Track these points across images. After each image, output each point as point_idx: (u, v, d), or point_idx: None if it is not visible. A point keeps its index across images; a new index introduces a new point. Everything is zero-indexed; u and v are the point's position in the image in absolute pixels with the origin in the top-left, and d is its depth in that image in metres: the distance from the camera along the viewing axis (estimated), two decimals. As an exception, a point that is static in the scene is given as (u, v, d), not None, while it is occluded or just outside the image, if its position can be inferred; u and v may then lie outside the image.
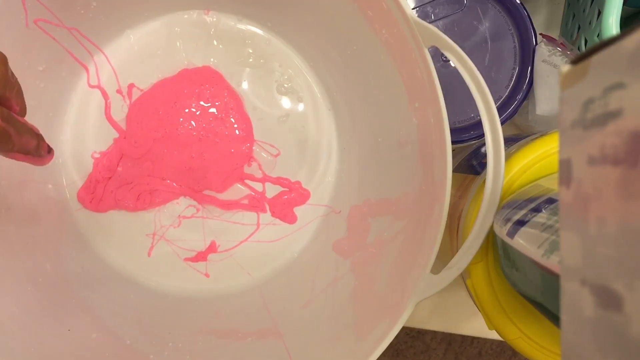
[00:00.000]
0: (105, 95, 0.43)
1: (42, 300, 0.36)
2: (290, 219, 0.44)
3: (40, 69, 0.39)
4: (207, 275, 0.43)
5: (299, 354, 0.36)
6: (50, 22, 0.37)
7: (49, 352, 0.34)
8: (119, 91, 0.43)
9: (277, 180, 0.44)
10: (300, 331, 0.38)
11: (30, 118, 0.39)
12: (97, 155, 0.42)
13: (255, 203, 0.44)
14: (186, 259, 0.43)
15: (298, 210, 0.44)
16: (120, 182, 0.42)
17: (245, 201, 0.44)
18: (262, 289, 0.43)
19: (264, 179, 0.44)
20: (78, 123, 0.42)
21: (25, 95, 0.38)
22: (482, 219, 0.29)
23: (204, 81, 0.43)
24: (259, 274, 0.44)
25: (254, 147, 0.44)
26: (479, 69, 0.29)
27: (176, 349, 0.38)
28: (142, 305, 0.41)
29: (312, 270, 0.42)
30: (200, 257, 0.43)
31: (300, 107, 0.44)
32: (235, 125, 0.43)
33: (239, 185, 0.44)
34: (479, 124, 0.40)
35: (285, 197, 0.44)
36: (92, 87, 0.42)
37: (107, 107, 0.43)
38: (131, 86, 0.43)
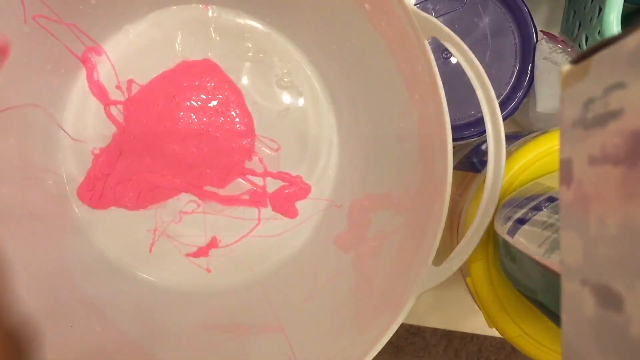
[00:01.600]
0: (104, 91, 0.42)
1: (44, 296, 0.36)
2: (291, 213, 0.44)
3: (39, 65, 0.39)
4: (208, 270, 0.43)
5: (301, 348, 0.36)
6: (49, 18, 0.37)
7: (52, 348, 0.34)
8: (118, 87, 0.43)
9: (278, 175, 0.44)
10: (302, 325, 0.38)
11: (30, 115, 0.39)
12: (97, 152, 0.42)
13: (256, 198, 0.44)
14: (187, 255, 0.43)
15: (299, 205, 0.44)
16: (119, 179, 0.42)
17: (246, 196, 0.44)
18: (264, 283, 0.43)
19: (265, 174, 0.44)
20: (78, 119, 0.42)
21: (24, 92, 0.38)
22: (484, 207, 0.29)
23: (203, 74, 0.43)
24: (261, 268, 0.44)
25: (254, 142, 0.44)
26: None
27: (179, 344, 0.38)
28: (144, 300, 0.41)
29: (314, 264, 0.42)
30: (202, 252, 0.43)
31: (300, 101, 0.44)
32: (237, 120, 0.43)
33: (239, 180, 0.44)
34: (479, 121, 0.40)
35: (287, 191, 0.44)
36: (91, 83, 0.42)
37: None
38: (130, 82, 0.43)
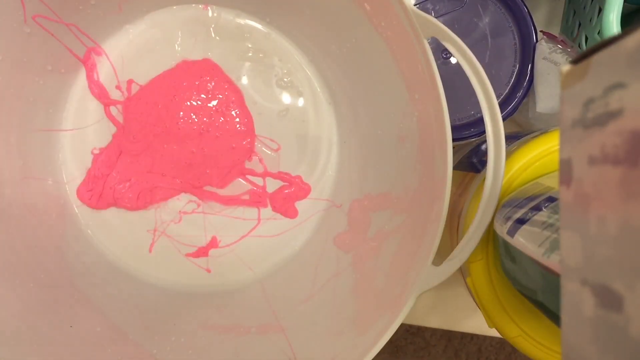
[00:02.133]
0: (104, 91, 0.43)
1: (44, 296, 0.36)
2: (291, 213, 0.44)
3: (39, 65, 0.39)
4: (208, 270, 0.43)
5: (301, 348, 0.36)
6: (48, 18, 0.37)
7: (52, 348, 0.34)
8: (118, 87, 0.43)
9: (278, 175, 0.44)
10: (302, 326, 0.38)
11: (30, 115, 0.39)
12: (96, 152, 0.42)
13: (257, 198, 0.44)
14: (187, 255, 0.43)
15: (299, 205, 0.44)
16: (119, 179, 0.42)
17: (247, 196, 0.44)
18: (264, 283, 0.43)
19: (265, 174, 0.44)
20: (77, 119, 0.42)
21: (24, 92, 0.38)
22: (484, 206, 0.29)
23: (203, 73, 0.43)
24: (261, 268, 0.44)
25: (255, 142, 0.44)
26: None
27: (179, 344, 0.38)
28: (144, 300, 0.41)
29: (314, 264, 0.42)
30: (202, 252, 0.43)
31: (300, 101, 0.44)
32: (237, 120, 0.43)
33: (239, 179, 0.44)
34: (479, 121, 0.40)
35: (286, 191, 0.44)
36: (91, 83, 0.42)
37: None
38: (130, 82, 0.43)
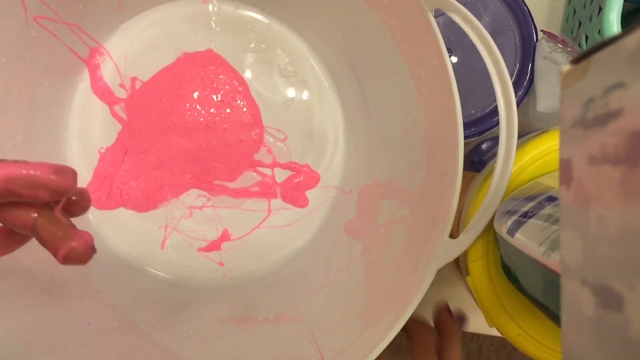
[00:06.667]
0: (108, 89, 0.42)
1: (59, 295, 0.36)
2: (302, 202, 0.44)
3: (43, 66, 0.39)
4: (221, 264, 0.43)
5: (319, 335, 0.36)
6: (50, 18, 0.37)
7: (71, 346, 0.34)
8: (122, 85, 0.43)
9: (286, 165, 0.44)
10: (319, 313, 0.38)
11: (35, 116, 0.39)
12: (103, 151, 0.42)
13: (266, 189, 0.44)
14: (200, 249, 0.43)
15: (309, 194, 0.44)
16: (127, 178, 0.42)
17: (256, 188, 0.44)
18: (277, 274, 0.43)
19: (273, 165, 0.44)
20: (83, 119, 0.42)
21: (28, 94, 0.38)
22: (496, 182, 0.29)
23: (207, 63, 0.43)
24: (273, 259, 0.44)
25: (263, 134, 0.44)
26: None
27: (196, 337, 0.38)
28: (160, 296, 0.42)
29: (326, 253, 0.43)
30: (214, 246, 0.43)
31: (305, 90, 0.44)
32: (244, 110, 0.43)
33: (248, 171, 0.44)
34: (479, 121, 0.40)
35: (296, 180, 0.44)
36: (95, 82, 0.42)
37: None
38: (134, 79, 0.43)
